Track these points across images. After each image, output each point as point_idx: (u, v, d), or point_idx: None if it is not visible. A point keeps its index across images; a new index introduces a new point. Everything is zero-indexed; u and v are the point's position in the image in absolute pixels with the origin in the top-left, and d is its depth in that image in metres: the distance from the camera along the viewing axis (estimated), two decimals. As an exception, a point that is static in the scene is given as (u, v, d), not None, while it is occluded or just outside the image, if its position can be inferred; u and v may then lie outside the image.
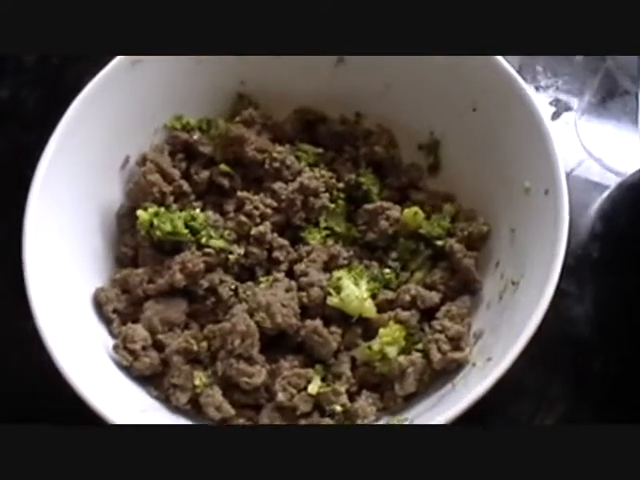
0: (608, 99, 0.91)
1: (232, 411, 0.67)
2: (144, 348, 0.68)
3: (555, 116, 0.88)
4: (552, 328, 0.60)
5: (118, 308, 0.71)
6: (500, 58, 0.70)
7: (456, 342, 0.66)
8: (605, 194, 0.84)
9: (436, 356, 0.66)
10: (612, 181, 0.85)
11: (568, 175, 0.65)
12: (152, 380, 0.69)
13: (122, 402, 0.65)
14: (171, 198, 0.75)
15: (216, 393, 0.67)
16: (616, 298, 0.77)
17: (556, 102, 0.89)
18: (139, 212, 0.71)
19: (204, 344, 0.69)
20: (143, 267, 0.72)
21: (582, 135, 0.88)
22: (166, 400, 0.68)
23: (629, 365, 0.74)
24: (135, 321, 0.70)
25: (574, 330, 0.76)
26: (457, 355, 0.66)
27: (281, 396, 0.66)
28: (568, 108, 0.89)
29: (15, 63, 0.96)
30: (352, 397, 0.67)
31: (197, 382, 0.67)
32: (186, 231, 0.71)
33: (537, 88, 0.90)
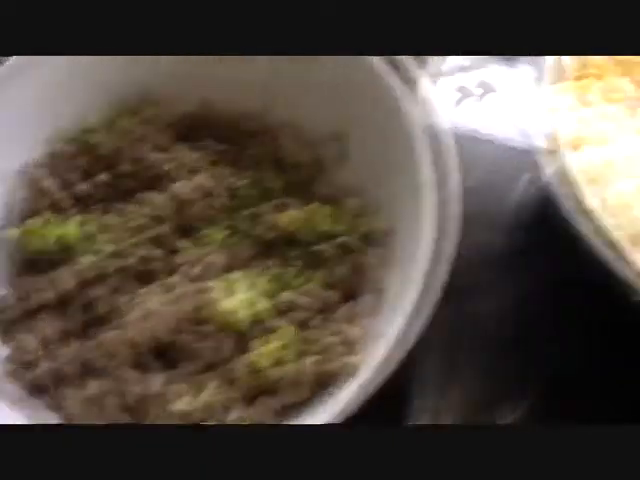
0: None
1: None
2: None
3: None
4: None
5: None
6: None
7: (352, 346, 0.65)
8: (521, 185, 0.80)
9: (331, 360, 0.64)
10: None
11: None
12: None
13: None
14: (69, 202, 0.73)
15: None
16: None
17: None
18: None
19: (95, 354, 0.67)
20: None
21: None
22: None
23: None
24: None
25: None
26: (353, 359, 0.64)
27: (175, 404, 0.65)
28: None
29: None
30: (248, 403, 0.65)
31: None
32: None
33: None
